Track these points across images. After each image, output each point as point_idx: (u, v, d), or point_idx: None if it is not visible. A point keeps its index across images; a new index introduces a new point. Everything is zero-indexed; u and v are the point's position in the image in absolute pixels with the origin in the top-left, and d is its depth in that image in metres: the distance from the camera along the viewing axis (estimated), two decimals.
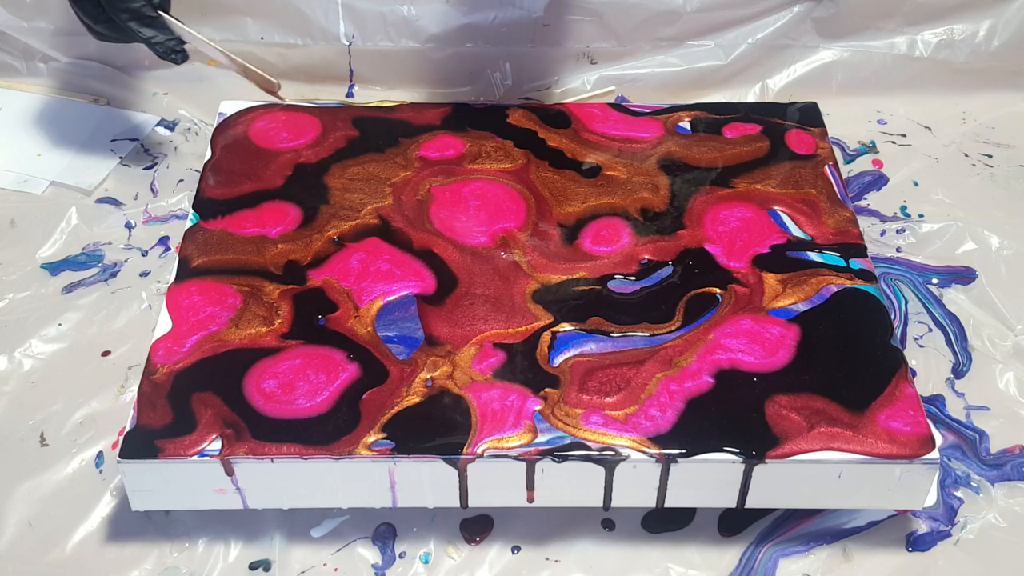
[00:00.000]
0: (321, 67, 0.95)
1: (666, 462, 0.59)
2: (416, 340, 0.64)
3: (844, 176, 0.86)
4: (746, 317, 0.66)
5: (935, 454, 0.59)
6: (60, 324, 0.76)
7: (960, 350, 0.74)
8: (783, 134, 0.79)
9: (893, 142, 0.91)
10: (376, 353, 0.64)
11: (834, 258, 0.70)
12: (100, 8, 0.75)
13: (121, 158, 0.90)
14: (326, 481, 0.60)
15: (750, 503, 0.61)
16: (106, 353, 0.74)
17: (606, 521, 0.65)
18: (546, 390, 0.62)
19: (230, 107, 0.82)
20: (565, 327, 0.65)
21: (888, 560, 0.63)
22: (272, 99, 0.83)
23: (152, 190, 0.87)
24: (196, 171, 0.86)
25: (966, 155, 0.90)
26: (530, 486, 0.60)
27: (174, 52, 0.78)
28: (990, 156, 0.90)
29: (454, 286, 0.68)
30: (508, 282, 0.68)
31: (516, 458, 0.59)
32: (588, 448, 0.59)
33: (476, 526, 0.65)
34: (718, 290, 0.68)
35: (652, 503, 0.61)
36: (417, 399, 0.61)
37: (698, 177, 0.76)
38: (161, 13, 0.76)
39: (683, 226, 0.72)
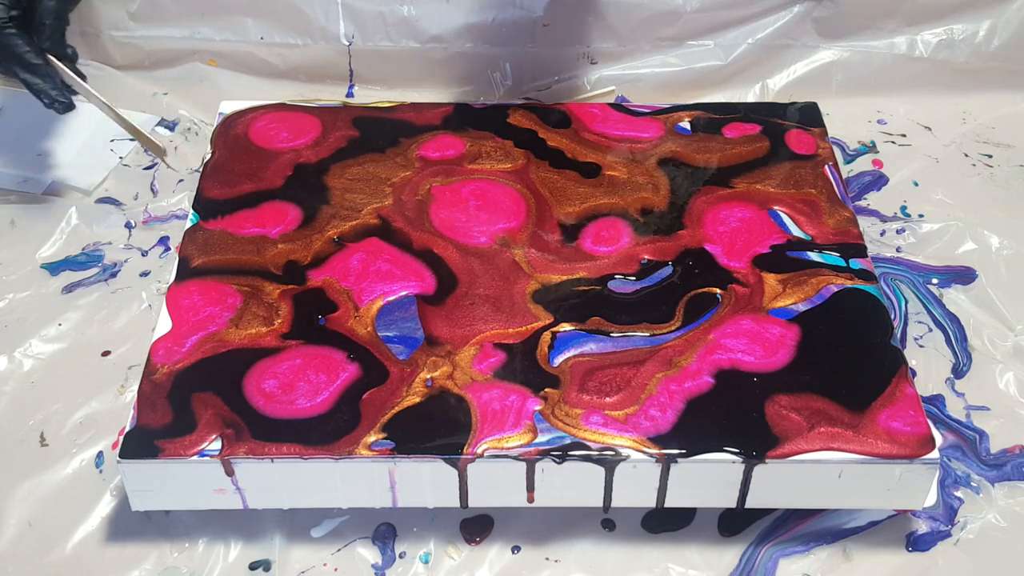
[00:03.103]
0: (321, 67, 0.95)
1: (666, 462, 0.59)
2: (416, 340, 0.64)
3: (844, 176, 0.86)
4: (746, 317, 0.66)
5: (935, 454, 0.59)
6: (60, 324, 0.76)
7: (960, 350, 0.74)
8: (783, 134, 0.79)
9: (893, 142, 0.91)
10: (376, 353, 0.64)
11: (834, 258, 0.70)
12: None
13: (121, 158, 0.90)
14: (326, 481, 0.60)
15: (750, 503, 0.61)
16: (106, 353, 0.74)
17: (606, 521, 0.65)
18: (546, 390, 0.62)
19: (230, 107, 0.82)
20: (565, 327, 0.65)
21: (888, 560, 0.63)
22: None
23: (152, 190, 0.87)
24: (196, 171, 0.86)
25: (966, 155, 0.90)
26: (530, 486, 0.60)
27: (56, 102, 0.75)
28: (990, 156, 0.90)
29: (454, 286, 0.68)
30: (508, 282, 0.68)
31: (516, 458, 0.59)
32: (588, 448, 0.59)
33: (476, 526, 0.65)
34: (718, 290, 0.68)
35: (652, 503, 0.61)
36: (417, 399, 0.61)
37: (698, 177, 0.76)
38: (51, 59, 0.74)
39: (683, 226, 0.72)
